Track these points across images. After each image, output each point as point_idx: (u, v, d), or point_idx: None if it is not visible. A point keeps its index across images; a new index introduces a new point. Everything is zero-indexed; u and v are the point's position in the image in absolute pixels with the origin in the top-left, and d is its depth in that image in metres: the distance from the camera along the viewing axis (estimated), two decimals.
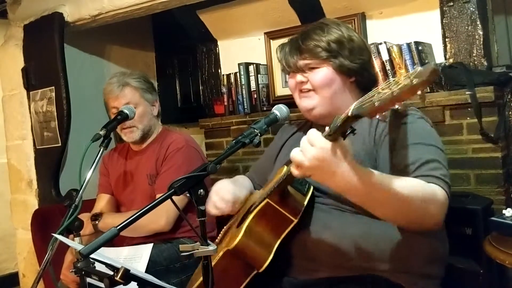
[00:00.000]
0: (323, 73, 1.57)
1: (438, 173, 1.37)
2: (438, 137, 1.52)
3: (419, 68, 0.96)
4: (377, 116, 1.03)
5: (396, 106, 0.99)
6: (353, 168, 1.21)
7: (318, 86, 1.57)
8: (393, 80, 1.01)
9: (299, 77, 1.60)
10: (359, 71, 1.60)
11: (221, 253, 1.47)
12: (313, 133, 1.19)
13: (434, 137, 1.50)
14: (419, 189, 1.30)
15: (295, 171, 1.24)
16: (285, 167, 1.55)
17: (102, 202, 2.44)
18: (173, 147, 2.27)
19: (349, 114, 1.09)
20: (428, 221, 1.35)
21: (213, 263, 1.45)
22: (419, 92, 0.95)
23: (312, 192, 1.52)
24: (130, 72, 2.41)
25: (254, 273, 1.45)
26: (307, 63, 1.58)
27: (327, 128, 1.18)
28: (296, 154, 1.21)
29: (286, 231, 1.45)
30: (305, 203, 1.48)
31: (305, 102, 1.61)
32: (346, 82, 1.60)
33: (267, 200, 1.45)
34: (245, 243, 1.42)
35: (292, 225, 1.45)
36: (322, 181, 1.28)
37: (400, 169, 1.41)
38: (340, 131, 1.15)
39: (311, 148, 1.17)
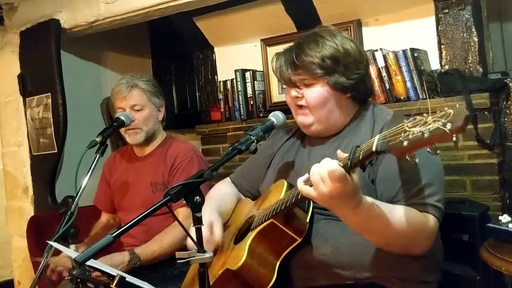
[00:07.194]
0: (318, 92, 1.54)
1: (432, 200, 1.39)
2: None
3: (449, 111, 0.90)
4: (406, 157, 0.98)
5: (427, 149, 0.94)
6: (360, 201, 1.22)
7: (313, 106, 1.55)
8: (420, 119, 0.96)
9: (294, 92, 1.58)
10: (355, 87, 1.56)
11: (220, 271, 1.45)
12: (333, 164, 1.15)
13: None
14: (410, 221, 1.32)
15: (317, 202, 1.23)
16: (285, 182, 1.54)
17: (101, 224, 2.47)
18: (182, 158, 2.25)
19: (374, 149, 1.07)
20: (413, 250, 1.40)
21: (211, 279, 1.44)
22: (454, 139, 0.89)
23: (313, 209, 1.50)
24: (140, 75, 2.40)
25: None
26: (302, 78, 1.55)
27: (342, 156, 1.18)
28: (318, 184, 1.18)
29: (288, 250, 1.44)
30: (307, 221, 1.46)
31: (301, 119, 1.60)
32: (342, 98, 1.57)
33: (271, 220, 1.43)
34: (249, 263, 1.40)
35: (295, 244, 1.44)
36: (330, 208, 1.28)
37: (396, 191, 1.42)
38: (360, 164, 1.14)
39: (334, 183, 1.14)
